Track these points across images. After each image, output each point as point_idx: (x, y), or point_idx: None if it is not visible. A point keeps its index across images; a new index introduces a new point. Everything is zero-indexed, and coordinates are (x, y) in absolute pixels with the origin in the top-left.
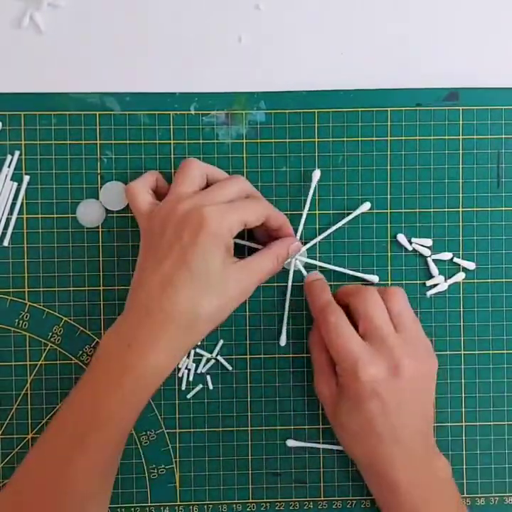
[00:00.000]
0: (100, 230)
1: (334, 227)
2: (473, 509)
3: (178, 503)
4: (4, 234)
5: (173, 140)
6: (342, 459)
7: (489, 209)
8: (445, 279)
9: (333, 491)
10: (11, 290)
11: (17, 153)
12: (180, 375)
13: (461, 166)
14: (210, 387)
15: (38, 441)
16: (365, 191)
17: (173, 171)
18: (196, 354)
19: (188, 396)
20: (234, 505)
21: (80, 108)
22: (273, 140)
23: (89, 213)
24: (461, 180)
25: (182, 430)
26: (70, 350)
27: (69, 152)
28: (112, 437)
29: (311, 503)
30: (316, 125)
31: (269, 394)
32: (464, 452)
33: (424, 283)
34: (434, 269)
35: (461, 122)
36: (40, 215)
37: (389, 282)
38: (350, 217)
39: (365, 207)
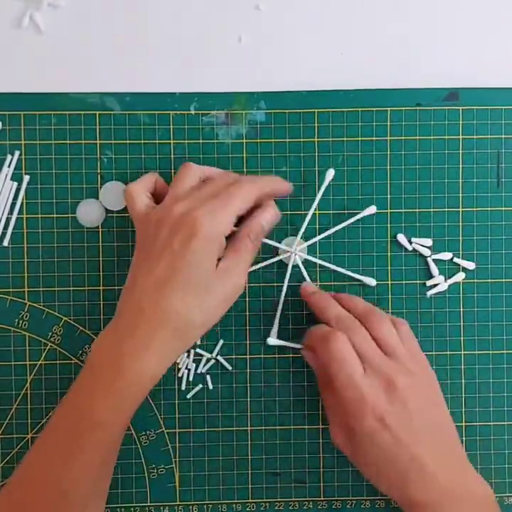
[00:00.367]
0: (100, 230)
1: (337, 227)
2: None
3: (178, 503)
4: (4, 234)
5: (173, 140)
6: (342, 459)
7: (489, 209)
8: (445, 279)
9: (333, 491)
10: (11, 290)
11: (17, 153)
12: (180, 375)
13: (461, 166)
14: (210, 387)
15: (36, 442)
16: (365, 191)
17: (173, 170)
18: (196, 354)
19: (188, 396)
20: (233, 505)
21: (80, 108)
22: (273, 140)
23: (89, 213)
24: (461, 180)
25: (182, 430)
26: (69, 350)
27: (69, 152)
28: (107, 439)
29: (311, 503)
30: (316, 125)
31: (269, 394)
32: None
33: (424, 283)
34: (434, 269)
35: (461, 122)
36: (40, 215)
37: (389, 282)
38: (357, 218)
39: (371, 210)
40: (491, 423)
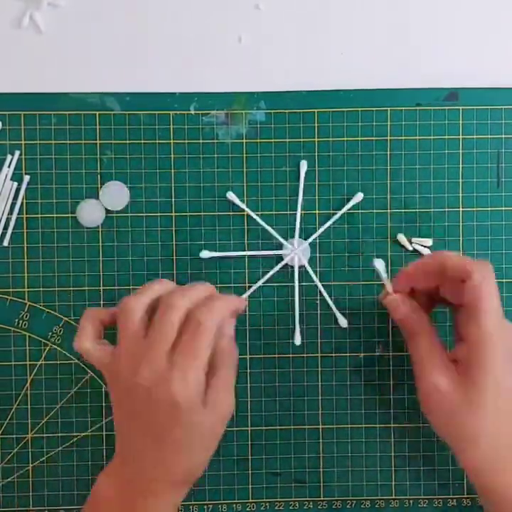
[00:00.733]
0: (100, 230)
1: (329, 222)
2: (473, 509)
3: None
4: (4, 234)
5: (173, 140)
6: (342, 459)
7: (489, 209)
8: None
9: (333, 491)
10: (11, 290)
11: (17, 153)
12: None
13: (461, 166)
14: None
15: None
16: (364, 191)
17: (173, 170)
18: None
19: None
20: (234, 505)
21: (80, 108)
22: (273, 140)
23: (89, 213)
24: (461, 180)
25: None
26: (70, 350)
27: (69, 152)
28: None
29: (311, 503)
30: (316, 125)
31: (269, 394)
32: None
33: None
34: None
35: (461, 122)
36: (40, 215)
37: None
38: (347, 207)
39: (358, 197)
40: None
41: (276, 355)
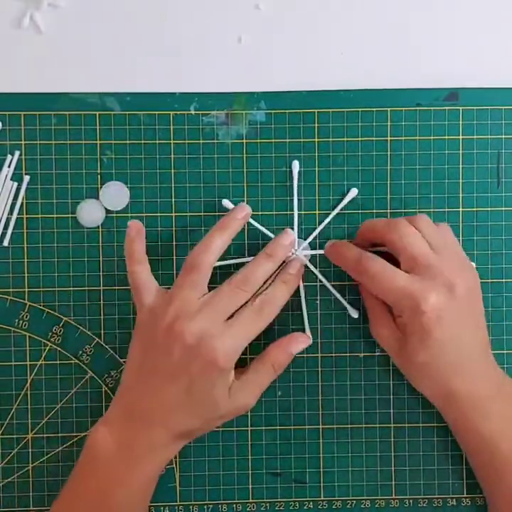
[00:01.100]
0: (100, 230)
1: (327, 220)
2: (473, 509)
3: (178, 503)
4: (4, 234)
5: (173, 140)
6: (342, 459)
7: (489, 209)
8: None
9: (333, 491)
10: (11, 290)
11: (17, 153)
12: None
13: (461, 166)
14: None
15: None
16: (365, 191)
17: (173, 170)
18: None
19: None
20: (234, 505)
21: (80, 108)
22: (273, 140)
23: (89, 213)
24: (461, 180)
25: None
26: (70, 350)
27: (69, 152)
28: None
29: (311, 503)
30: (316, 125)
31: (269, 394)
32: (465, 452)
33: None
34: None
35: (461, 122)
36: (40, 215)
37: None
38: (343, 203)
39: (353, 193)
40: None
41: None
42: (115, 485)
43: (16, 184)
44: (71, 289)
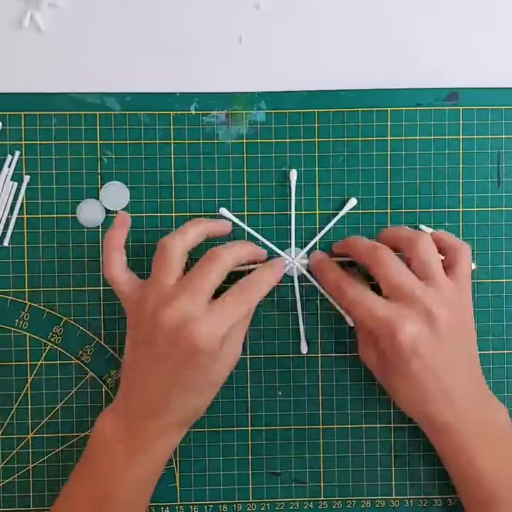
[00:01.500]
0: (100, 230)
1: (326, 228)
2: None
3: (178, 503)
4: (4, 234)
5: (173, 140)
6: (342, 459)
7: (489, 209)
8: None
9: (333, 491)
10: (11, 290)
11: (17, 153)
12: None
13: (461, 166)
14: None
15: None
16: (365, 191)
17: (173, 170)
18: None
19: None
20: (234, 505)
21: (80, 108)
22: (273, 140)
23: (89, 213)
24: (461, 181)
25: None
26: (70, 350)
27: (69, 152)
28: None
29: (311, 503)
30: (316, 125)
31: (269, 394)
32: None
33: None
34: None
35: (461, 122)
36: (40, 215)
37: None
38: (341, 214)
39: (352, 203)
40: None
41: (277, 356)
42: (121, 471)
43: (16, 184)
44: (71, 289)
